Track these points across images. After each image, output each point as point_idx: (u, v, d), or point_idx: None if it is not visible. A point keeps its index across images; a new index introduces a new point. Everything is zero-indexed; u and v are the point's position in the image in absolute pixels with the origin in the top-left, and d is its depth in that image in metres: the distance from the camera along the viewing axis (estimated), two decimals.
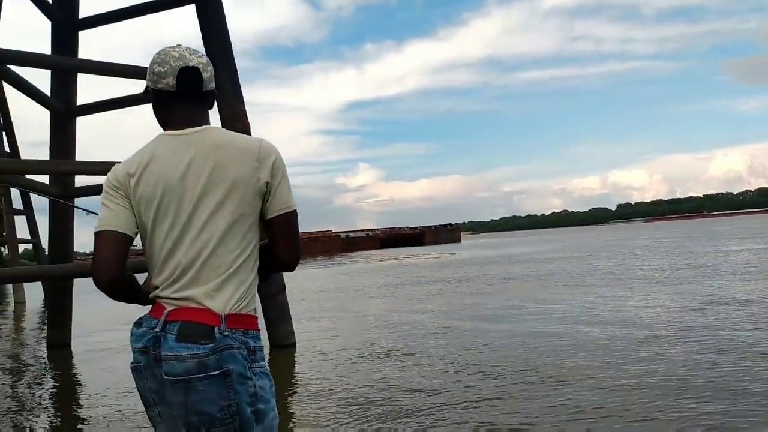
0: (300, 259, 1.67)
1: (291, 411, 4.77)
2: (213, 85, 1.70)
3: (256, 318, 1.60)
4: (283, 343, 7.44)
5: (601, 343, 6.40)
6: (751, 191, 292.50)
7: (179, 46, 1.65)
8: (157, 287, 1.58)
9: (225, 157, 1.56)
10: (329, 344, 7.66)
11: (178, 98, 1.63)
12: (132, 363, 1.57)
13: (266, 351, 6.82)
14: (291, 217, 1.63)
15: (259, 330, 1.60)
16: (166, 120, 1.67)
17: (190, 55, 1.63)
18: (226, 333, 1.48)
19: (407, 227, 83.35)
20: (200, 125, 1.62)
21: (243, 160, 1.56)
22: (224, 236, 1.54)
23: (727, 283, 10.97)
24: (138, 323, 1.59)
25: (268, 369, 1.58)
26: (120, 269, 1.56)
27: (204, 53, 1.71)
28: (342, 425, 4.23)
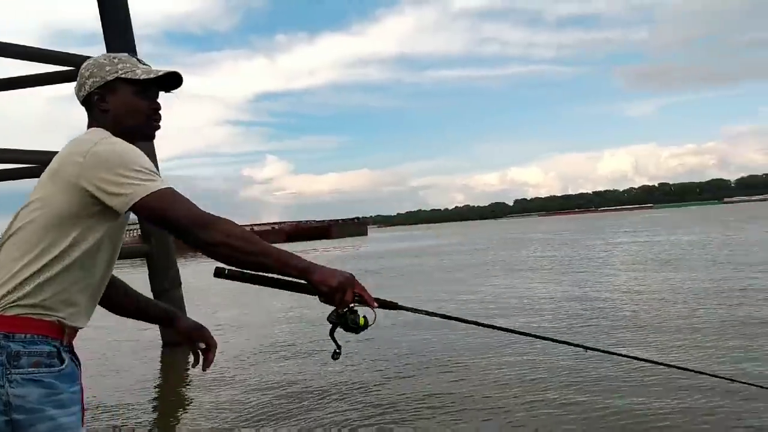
0: (204, 226, 1.41)
1: (187, 403, 4.94)
2: (84, 90, 1.64)
3: (41, 322, 1.44)
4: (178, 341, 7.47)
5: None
6: (635, 188, 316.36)
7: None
8: None
9: (59, 156, 1.53)
10: (224, 338, 7.80)
11: None
12: None
13: (158, 349, 6.88)
14: (145, 207, 1.44)
15: (51, 335, 1.44)
16: None
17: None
18: None
19: (314, 221, 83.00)
20: (90, 128, 1.63)
21: (65, 160, 1.49)
22: (11, 236, 1.48)
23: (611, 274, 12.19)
24: None
25: (49, 377, 1.42)
26: None
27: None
28: (237, 415, 4.46)
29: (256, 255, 1.41)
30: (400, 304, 1.57)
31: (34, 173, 6.75)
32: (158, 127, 1.70)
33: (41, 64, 7.72)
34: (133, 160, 1.45)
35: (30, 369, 1.40)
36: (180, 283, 7.73)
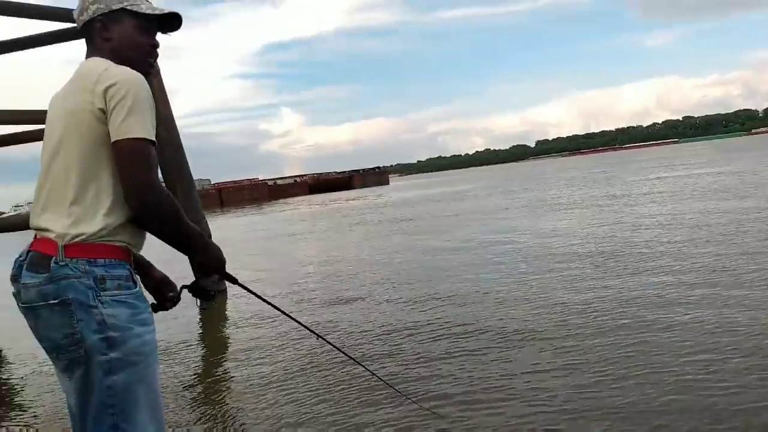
0: (151, 203, 1.51)
1: (221, 345, 4.80)
2: (86, 15, 1.68)
3: (114, 248, 1.54)
4: (211, 291, 7.35)
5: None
6: (658, 124, 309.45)
7: None
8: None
9: (75, 87, 1.59)
10: (261, 289, 7.66)
11: None
12: (12, 290, 1.63)
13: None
14: (123, 148, 1.50)
15: (123, 258, 1.55)
16: None
17: None
18: (63, 263, 1.49)
19: (335, 172, 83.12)
20: (90, 58, 1.69)
21: (82, 88, 1.56)
22: (68, 166, 1.55)
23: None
24: None
25: (134, 297, 1.55)
26: None
27: None
28: (270, 356, 4.29)
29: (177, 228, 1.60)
30: (239, 282, 1.89)
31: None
32: (154, 65, 1.76)
33: (47, 21, 7.43)
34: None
35: (115, 291, 1.51)
36: (210, 235, 7.56)
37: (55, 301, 1.48)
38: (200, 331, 5.96)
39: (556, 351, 3.82)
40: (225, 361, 4.75)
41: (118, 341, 1.50)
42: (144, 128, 1.52)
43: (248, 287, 1.92)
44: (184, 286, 1.78)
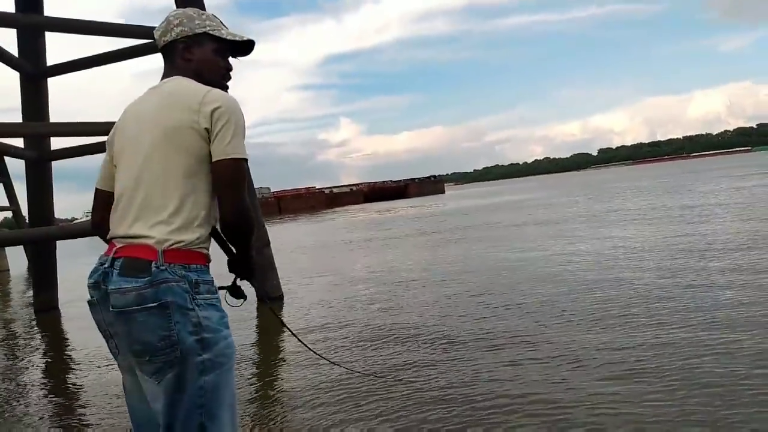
0: (243, 220, 1.66)
1: (281, 353, 4.90)
2: (169, 36, 1.79)
3: (203, 255, 1.66)
4: (270, 296, 7.54)
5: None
6: (729, 131, 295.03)
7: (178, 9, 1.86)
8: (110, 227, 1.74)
9: (172, 103, 1.67)
10: (316, 296, 7.79)
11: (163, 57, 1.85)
12: (88, 298, 1.69)
13: (253, 304, 6.98)
14: (226, 167, 1.62)
15: (207, 265, 1.67)
16: None
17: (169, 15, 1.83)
18: (163, 267, 1.56)
19: (391, 180, 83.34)
20: (170, 77, 1.78)
21: (184, 106, 1.64)
22: (164, 178, 1.63)
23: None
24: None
25: (218, 301, 1.66)
26: (100, 217, 1.85)
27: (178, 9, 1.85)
28: (328, 364, 4.35)
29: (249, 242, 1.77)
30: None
31: None
32: (228, 87, 1.86)
33: (122, 39, 7.86)
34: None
35: (207, 295, 1.62)
36: (269, 242, 7.76)
37: (154, 305, 1.54)
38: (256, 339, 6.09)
39: None
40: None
41: (211, 342, 1.58)
42: (244, 150, 1.66)
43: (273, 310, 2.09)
44: (221, 287, 1.86)
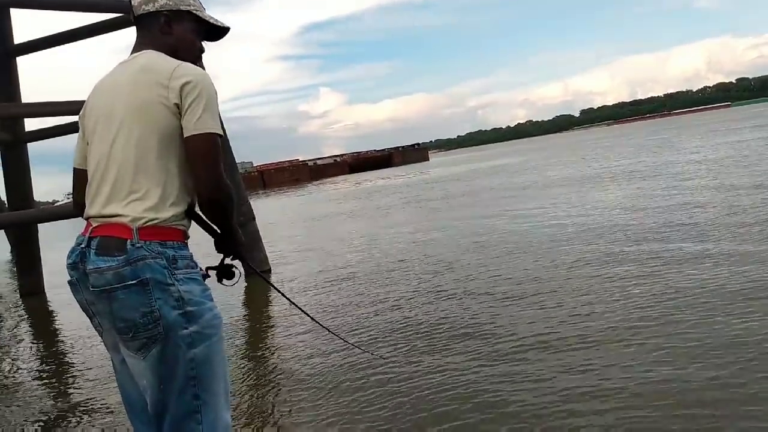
0: (219, 193, 1.64)
1: (267, 327, 4.92)
2: (152, 6, 1.74)
3: (180, 231, 1.66)
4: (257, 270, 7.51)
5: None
6: (709, 87, 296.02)
7: None
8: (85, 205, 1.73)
9: (143, 79, 1.64)
10: (304, 268, 7.79)
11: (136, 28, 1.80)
12: (68, 278, 1.68)
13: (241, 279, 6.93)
14: (198, 143, 1.60)
15: (185, 241, 1.67)
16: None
17: None
18: (139, 245, 1.56)
19: (374, 150, 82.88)
20: (142, 50, 1.74)
21: (154, 81, 1.62)
22: (136, 156, 1.61)
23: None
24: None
25: (199, 276, 1.66)
26: (81, 197, 1.80)
27: None
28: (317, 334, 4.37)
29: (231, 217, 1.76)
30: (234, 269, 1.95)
31: None
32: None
33: (92, 14, 7.64)
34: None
35: (185, 270, 1.62)
36: (253, 217, 7.71)
37: (133, 282, 1.54)
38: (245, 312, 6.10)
39: None
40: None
41: (196, 315, 1.60)
42: (217, 124, 1.63)
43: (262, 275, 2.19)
44: (209, 267, 1.86)
